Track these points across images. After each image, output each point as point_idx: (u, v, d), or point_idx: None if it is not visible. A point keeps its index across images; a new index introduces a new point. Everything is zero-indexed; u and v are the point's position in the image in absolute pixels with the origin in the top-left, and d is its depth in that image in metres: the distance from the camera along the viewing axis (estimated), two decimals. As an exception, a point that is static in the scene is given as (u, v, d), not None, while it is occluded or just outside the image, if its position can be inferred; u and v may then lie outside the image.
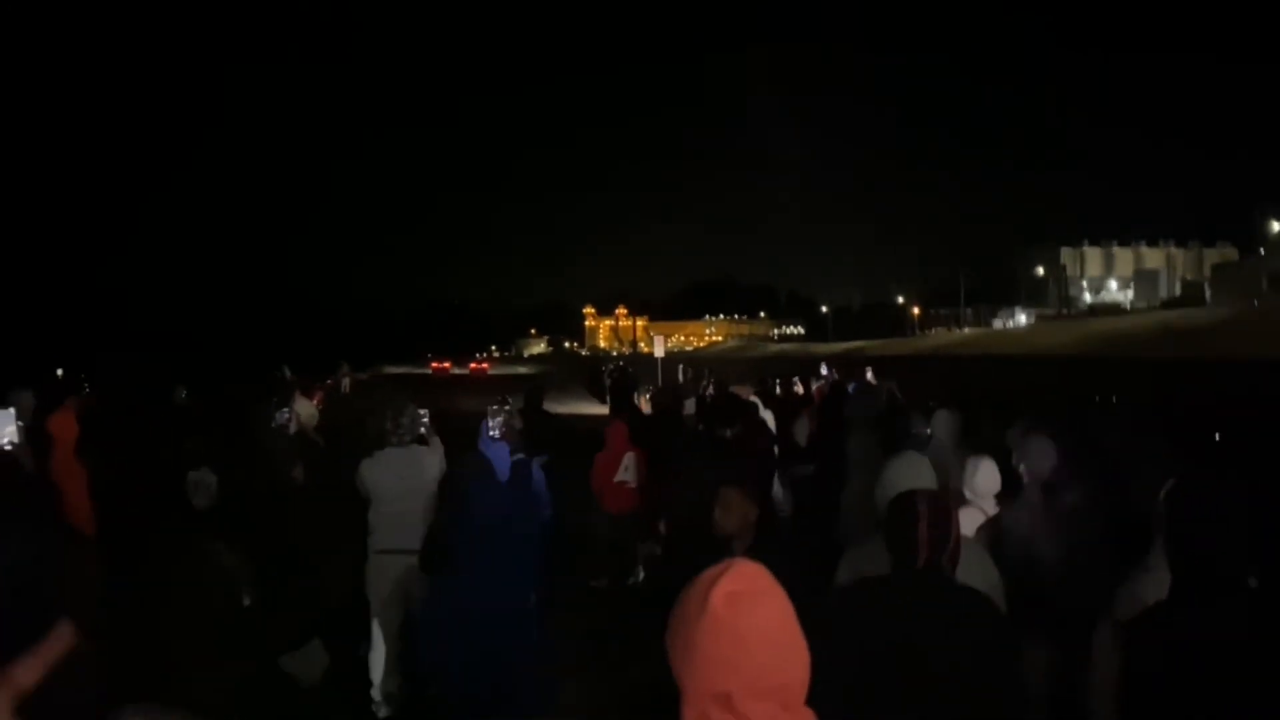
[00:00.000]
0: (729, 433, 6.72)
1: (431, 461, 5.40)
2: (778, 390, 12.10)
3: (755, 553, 3.51)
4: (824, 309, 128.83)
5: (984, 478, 4.08)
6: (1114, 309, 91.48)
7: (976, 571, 2.75)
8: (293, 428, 8.87)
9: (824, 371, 14.61)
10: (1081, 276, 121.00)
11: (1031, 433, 4.19)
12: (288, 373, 13.41)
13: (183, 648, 3.87)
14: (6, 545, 3.07)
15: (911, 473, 3.00)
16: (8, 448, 4.27)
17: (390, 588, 5.06)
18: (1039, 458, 3.97)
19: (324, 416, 10.98)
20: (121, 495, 5.78)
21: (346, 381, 14.09)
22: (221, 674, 3.94)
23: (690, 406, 8.78)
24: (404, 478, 5.15)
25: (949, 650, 2.27)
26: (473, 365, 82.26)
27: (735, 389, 12.48)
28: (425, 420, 5.71)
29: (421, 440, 5.62)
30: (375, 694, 5.23)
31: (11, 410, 4.41)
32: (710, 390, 12.26)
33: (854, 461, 5.50)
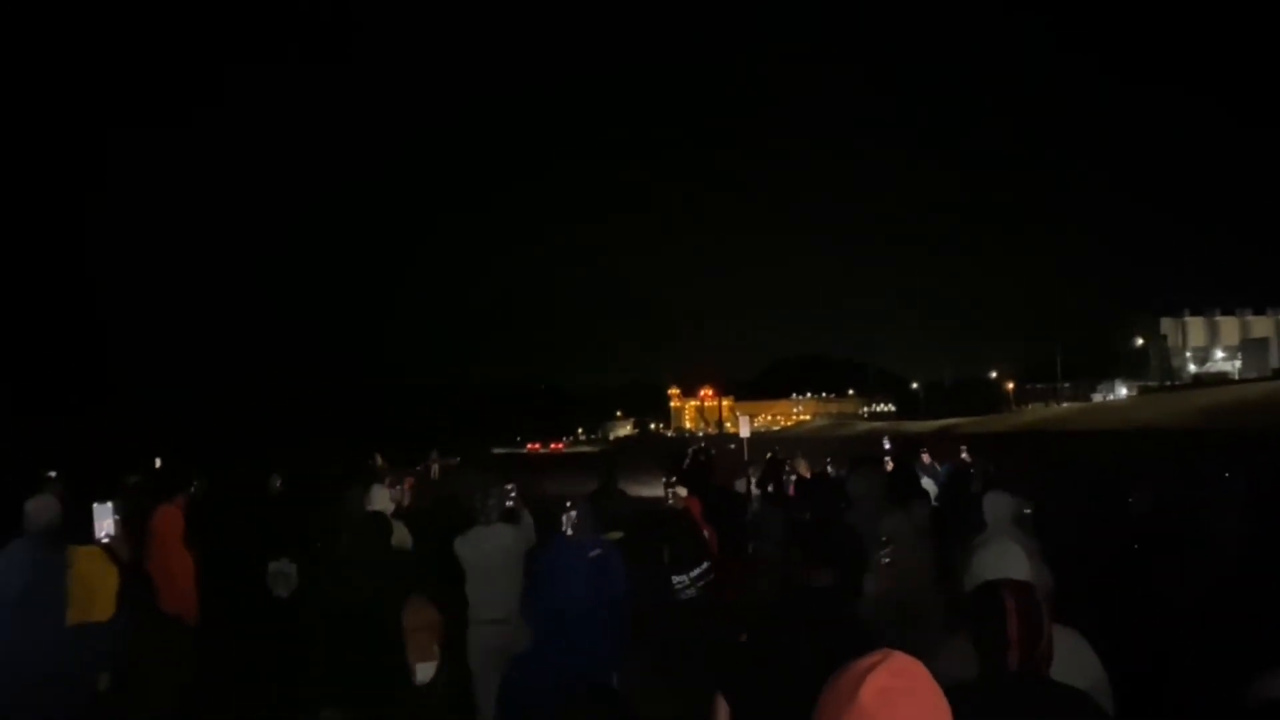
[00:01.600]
0: (808, 515, 6.61)
1: (517, 537, 5.71)
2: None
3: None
4: (914, 385, 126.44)
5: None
6: (1221, 379, 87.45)
7: (1076, 666, 2.52)
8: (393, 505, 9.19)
9: (886, 446, 14.24)
10: (1185, 347, 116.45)
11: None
12: (379, 459, 13.69)
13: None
14: (107, 632, 3.17)
15: (1001, 562, 2.75)
16: (105, 540, 4.42)
17: (485, 655, 5.29)
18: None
19: (414, 500, 11.17)
20: (212, 586, 5.91)
21: (436, 467, 14.34)
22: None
23: (742, 485, 8.71)
24: (490, 554, 5.48)
25: None
26: (553, 445, 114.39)
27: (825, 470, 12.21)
28: (513, 495, 6.13)
29: (510, 516, 5.97)
30: None
31: (109, 504, 4.57)
32: (795, 471, 12.01)
33: (882, 544, 5.11)
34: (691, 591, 5.36)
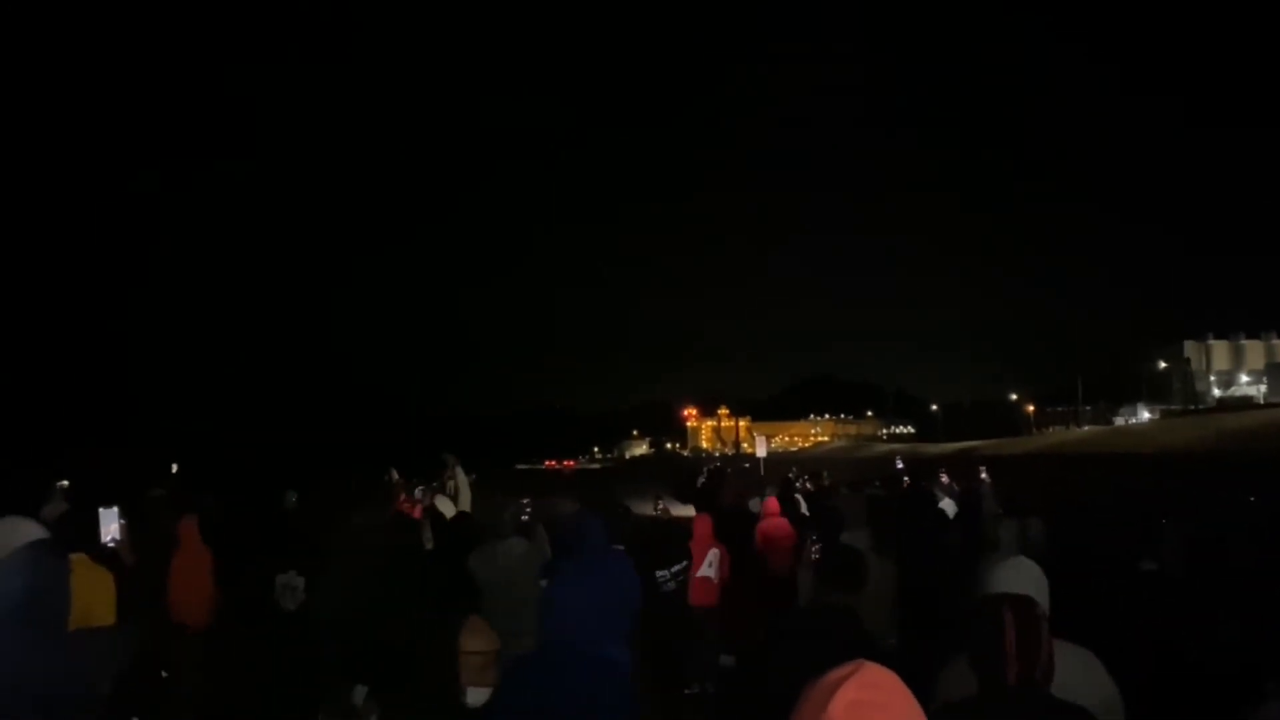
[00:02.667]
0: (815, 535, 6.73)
1: (531, 551, 5.74)
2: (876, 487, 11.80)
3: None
4: (934, 407, 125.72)
5: None
6: (1246, 403, 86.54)
7: (1085, 683, 2.47)
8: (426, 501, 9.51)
9: (899, 465, 14.45)
10: (1208, 371, 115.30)
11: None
12: (395, 475, 13.77)
13: None
14: (110, 636, 3.16)
15: (1014, 576, 2.67)
16: (111, 544, 4.45)
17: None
18: None
19: (425, 514, 11.26)
20: (225, 597, 5.95)
21: (451, 484, 14.34)
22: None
23: (755, 505, 8.86)
24: (503, 568, 5.51)
25: None
26: (566, 462, 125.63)
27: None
28: (528, 510, 6.28)
29: (525, 530, 6.08)
30: None
31: (114, 509, 4.60)
32: (805, 487, 11.98)
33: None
34: (672, 585, 6.40)
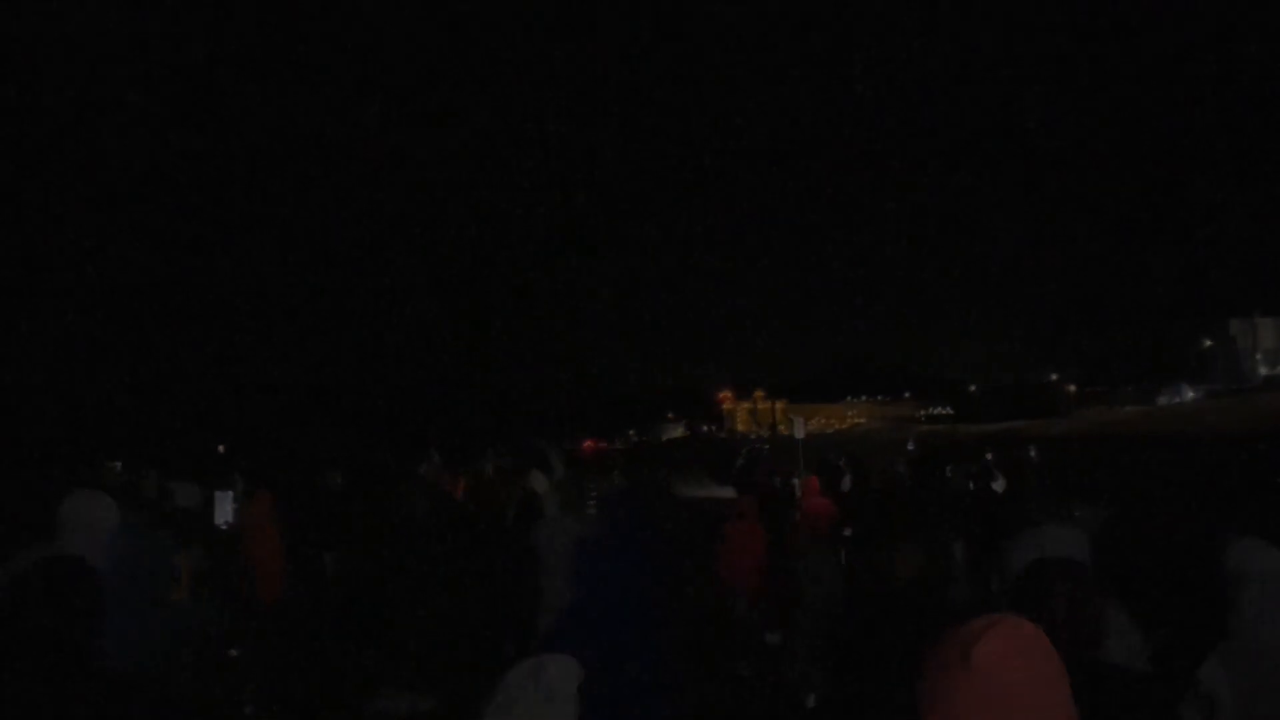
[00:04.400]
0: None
1: (584, 528, 6.00)
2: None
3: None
4: (972, 388, 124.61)
5: None
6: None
7: (1117, 639, 2.49)
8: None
9: (910, 447, 14.49)
10: (1255, 349, 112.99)
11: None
12: (435, 456, 13.99)
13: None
14: (185, 611, 3.28)
15: (1051, 544, 2.70)
16: (224, 527, 4.57)
17: None
18: None
19: (469, 496, 11.40)
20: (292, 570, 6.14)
21: (490, 466, 14.54)
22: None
23: (795, 485, 8.99)
24: (558, 543, 5.63)
25: None
26: (600, 443, 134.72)
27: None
28: (593, 491, 6.57)
29: (580, 507, 6.32)
30: None
31: (230, 492, 4.72)
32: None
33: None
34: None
